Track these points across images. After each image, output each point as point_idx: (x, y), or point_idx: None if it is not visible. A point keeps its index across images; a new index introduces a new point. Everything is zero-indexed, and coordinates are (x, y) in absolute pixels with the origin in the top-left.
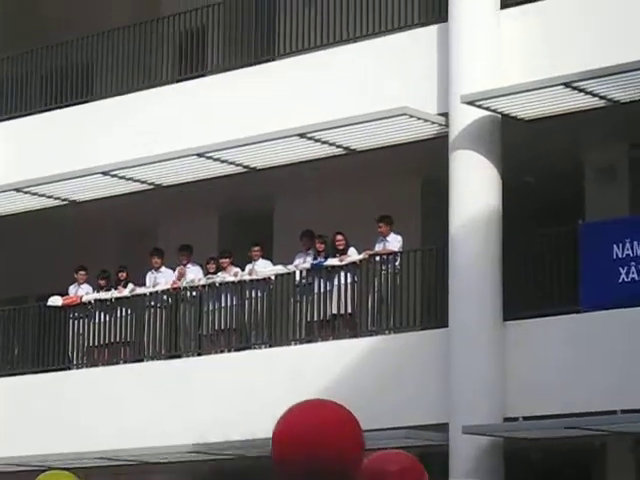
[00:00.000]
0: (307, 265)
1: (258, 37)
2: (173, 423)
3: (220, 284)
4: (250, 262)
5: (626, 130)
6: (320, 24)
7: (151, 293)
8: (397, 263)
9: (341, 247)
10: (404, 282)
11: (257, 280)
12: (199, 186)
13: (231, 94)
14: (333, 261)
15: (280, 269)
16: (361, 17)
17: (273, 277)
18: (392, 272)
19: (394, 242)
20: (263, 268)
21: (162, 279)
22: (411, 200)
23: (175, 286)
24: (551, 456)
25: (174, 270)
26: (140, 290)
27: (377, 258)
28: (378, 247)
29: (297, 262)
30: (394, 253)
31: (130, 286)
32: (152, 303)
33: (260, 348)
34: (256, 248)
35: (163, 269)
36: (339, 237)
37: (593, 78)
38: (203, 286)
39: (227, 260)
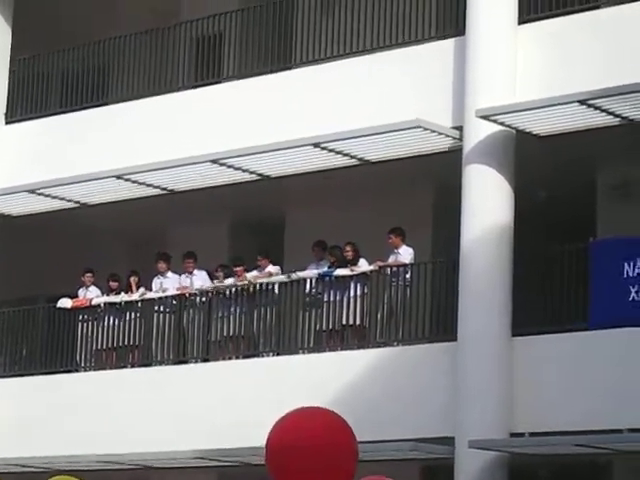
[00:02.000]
0: (314, 273)
1: (275, 45)
2: (178, 428)
3: (230, 291)
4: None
5: None
6: (337, 34)
7: (160, 298)
8: (407, 275)
9: (350, 257)
10: (414, 294)
11: (266, 289)
12: (211, 193)
13: (246, 102)
14: (343, 271)
15: (284, 278)
16: (378, 29)
17: (277, 286)
18: (402, 284)
19: (405, 254)
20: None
21: (169, 284)
22: (423, 212)
23: (184, 292)
24: (556, 473)
25: (180, 275)
26: (150, 295)
27: (388, 270)
28: (391, 259)
29: (308, 271)
30: (405, 265)
31: (141, 290)
32: (161, 308)
33: (268, 356)
34: (260, 257)
35: (169, 274)
36: (347, 248)
37: (608, 96)
38: (213, 293)
39: (240, 268)
